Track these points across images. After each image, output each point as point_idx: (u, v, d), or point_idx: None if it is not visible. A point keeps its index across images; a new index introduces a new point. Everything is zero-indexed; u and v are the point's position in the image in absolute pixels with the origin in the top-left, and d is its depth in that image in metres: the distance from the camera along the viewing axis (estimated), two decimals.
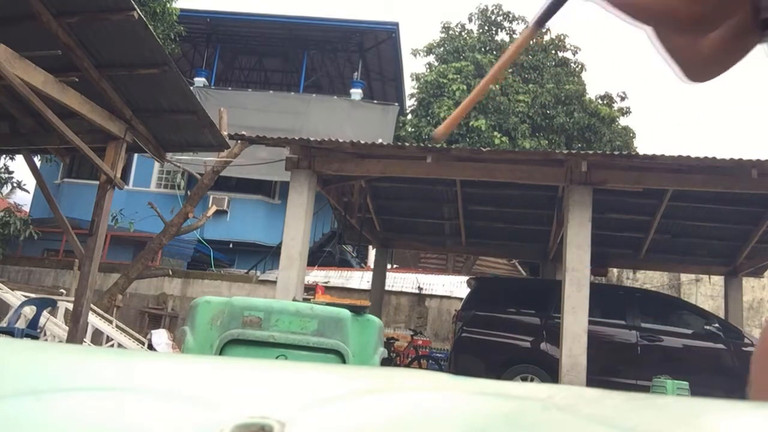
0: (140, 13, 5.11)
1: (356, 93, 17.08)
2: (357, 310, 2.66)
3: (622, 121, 16.75)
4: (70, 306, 6.99)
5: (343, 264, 17.83)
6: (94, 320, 7.89)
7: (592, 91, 18.32)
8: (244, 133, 7.88)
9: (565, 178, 6.98)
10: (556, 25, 17.72)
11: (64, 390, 0.39)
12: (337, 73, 19.35)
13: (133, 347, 8.17)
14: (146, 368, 0.47)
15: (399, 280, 14.58)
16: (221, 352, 2.20)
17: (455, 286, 14.23)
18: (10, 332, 6.15)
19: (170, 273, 11.61)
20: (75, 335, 5.75)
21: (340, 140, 7.18)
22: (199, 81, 17.21)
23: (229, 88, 17.80)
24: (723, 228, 9.48)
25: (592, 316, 6.75)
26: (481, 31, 17.86)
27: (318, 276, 14.53)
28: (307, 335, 2.25)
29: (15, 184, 13.24)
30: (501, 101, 15.19)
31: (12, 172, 12.98)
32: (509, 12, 17.94)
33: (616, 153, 8.17)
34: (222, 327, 2.25)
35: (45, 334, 7.12)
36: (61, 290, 10.44)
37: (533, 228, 10.24)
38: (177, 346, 5.45)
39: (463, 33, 17.85)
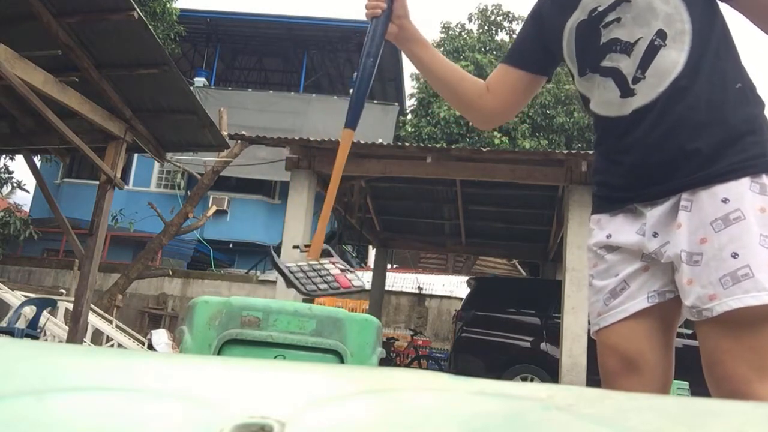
0: (140, 13, 5.11)
1: None
2: None
3: None
4: (70, 306, 6.99)
5: None
6: (94, 320, 7.89)
7: None
8: (244, 133, 7.88)
9: (565, 178, 6.98)
10: None
11: (64, 390, 0.39)
12: (337, 73, 19.35)
13: (133, 347, 8.17)
14: (146, 368, 0.47)
15: (399, 280, 14.60)
16: (219, 351, 2.20)
17: (455, 286, 14.25)
18: (10, 332, 6.14)
19: (170, 273, 11.61)
20: (75, 335, 5.75)
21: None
22: (199, 81, 17.21)
23: (229, 88, 17.80)
24: None
25: None
26: (481, 31, 17.87)
27: None
28: (306, 335, 2.25)
29: (15, 184, 13.26)
30: None
31: (12, 172, 13.02)
32: (509, 12, 17.94)
33: None
34: (220, 327, 2.24)
35: (45, 334, 7.12)
36: (61, 290, 10.45)
37: (533, 228, 10.24)
38: (177, 346, 5.45)
39: (463, 33, 17.86)
